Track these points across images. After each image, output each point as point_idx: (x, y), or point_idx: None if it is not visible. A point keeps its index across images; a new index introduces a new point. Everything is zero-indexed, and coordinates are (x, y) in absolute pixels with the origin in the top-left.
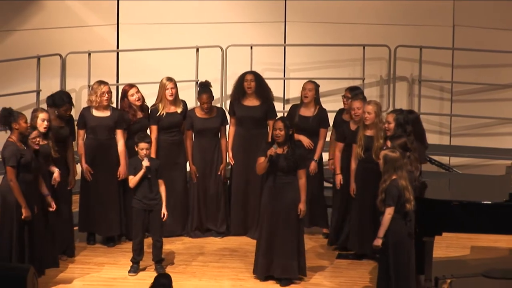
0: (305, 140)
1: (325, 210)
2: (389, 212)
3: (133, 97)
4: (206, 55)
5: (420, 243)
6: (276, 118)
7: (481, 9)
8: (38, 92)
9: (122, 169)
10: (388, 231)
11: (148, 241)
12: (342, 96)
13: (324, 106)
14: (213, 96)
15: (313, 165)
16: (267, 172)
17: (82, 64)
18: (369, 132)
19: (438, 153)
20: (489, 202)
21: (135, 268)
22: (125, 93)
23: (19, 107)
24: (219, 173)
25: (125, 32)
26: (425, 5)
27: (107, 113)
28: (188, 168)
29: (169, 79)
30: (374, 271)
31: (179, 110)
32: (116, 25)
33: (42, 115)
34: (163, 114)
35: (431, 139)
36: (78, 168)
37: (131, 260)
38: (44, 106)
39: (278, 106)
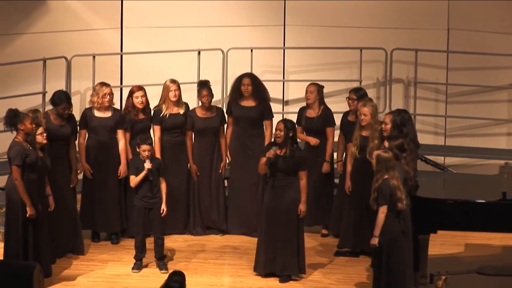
0: (312, 140)
1: (331, 211)
2: (382, 211)
3: (137, 99)
4: (208, 57)
5: (416, 240)
6: (279, 119)
7: (475, 13)
8: (44, 94)
9: (122, 168)
10: (382, 230)
11: (150, 238)
12: (346, 98)
13: None
14: (212, 94)
15: (325, 166)
16: (269, 173)
17: (87, 66)
18: (365, 133)
19: (433, 153)
20: (483, 201)
21: (138, 265)
22: (131, 93)
23: (25, 109)
24: (220, 171)
25: (129, 35)
26: (420, 9)
27: (108, 114)
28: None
29: (173, 81)
30: (371, 267)
31: (181, 112)
32: (120, 29)
33: (40, 115)
34: (166, 115)
35: (426, 139)
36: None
37: (134, 257)
38: (50, 107)
39: (277, 107)
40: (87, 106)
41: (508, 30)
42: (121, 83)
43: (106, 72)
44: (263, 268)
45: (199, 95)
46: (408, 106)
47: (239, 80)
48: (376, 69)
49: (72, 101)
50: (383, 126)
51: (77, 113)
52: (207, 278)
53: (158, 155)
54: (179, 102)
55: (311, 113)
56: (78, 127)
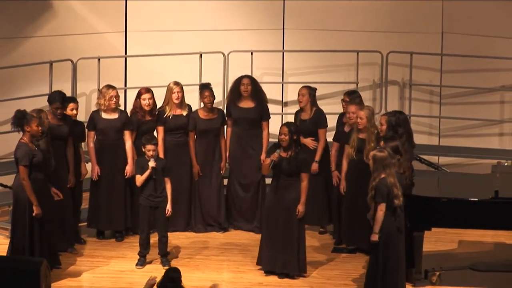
0: (309, 143)
1: (327, 209)
2: (381, 209)
3: (144, 101)
4: (209, 60)
5: (410, 237)
6: (278, 120)
7: (468, 17)
8: None
9: (129, 168)
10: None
11: (154, 235)
12: (341, 100)
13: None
14: (214, 95)
15: (314, 166)
16: (273, 174)
17: (92, 69)
18: (362, 135)
19: (428, 153)
20: (476, 199)
21: (142, 261)
22: (139, 95)
23: (32, 110)
24: (222, 172)
25: (133, 39)
26: (415, 14)
27: (115, 116)
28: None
29: (176, 83)
30: (367, 263)
31: (184, 113)
32: (124, 32)
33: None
34: (169, 116)
35: (421, 139)
36: (88, 166)
37: (138, 254)
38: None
39: (276, 109)
40: (93, 107)
41: (500, 34)
42: (126, 85)
43: (111, 75)
44: (264, 264)
45: (201, 97)
46: (403, 107)
47: (238, 81)
48: (372, 71)
49: (78, 102)
50: (379, 126)
51: (82, 114)
52: (208, 274)
53: (161, 155)
54: (182, 103)
55: (304, 115)
56: (86, 129)
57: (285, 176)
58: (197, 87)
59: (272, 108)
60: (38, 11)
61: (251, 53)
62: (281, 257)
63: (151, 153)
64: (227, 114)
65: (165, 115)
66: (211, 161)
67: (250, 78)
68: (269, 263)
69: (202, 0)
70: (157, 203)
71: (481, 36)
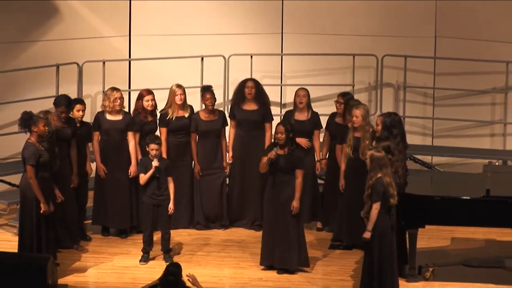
0: (302, 142)
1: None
2: (376, 207)
3: (147, 103)
4: (210, 63)
5: (404, 235)
6: (278, 122)
7: (460, 22)
8: None
9: (133, 168)
10: (373, 225)
11: (157, 233)
12: (335, 101)
13: (317, 110)
14: (215, 97)
15: (318, 165)
16: (269, 171)
17: (97, 72)
18: (357, 134)
19: (421, 153)
20: (468, 198)
21: (146, 258)
22: (141, 96)
23: (39, 112)
24: (226, 171)
25: (137, 42)
26: (409, 18)
27: (119, 117)
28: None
29: (179, 86)
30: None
31: (186, 115)
32: (128, 37)
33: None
34: (172, 117)
35: (415, 140)
36: (93, 166)
37: (141, 250)
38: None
39: (275, 110)
40: (98, 109)
41: (491, 37)
42: (130, 87)
43: (115, 77)
44: (264, 259)
45: (203, 99)
46: (398, 109)
47: (243, 84)
48: (368, 74)
49: (85, 104)
50: (375, 127)
51: (88, 116)
52: (210, 270)
53: (164, 155)
54: (184, 105)
55: (301, 116)
56: (92, 130)
57: (281, 174)
58: (199, 89)
59: (271, 109)
60: (45, 16)
61: (251, 57)
62: (279, 252)
63: (154, 152)
64: (231, 116)
65: (167, 117)
66: (212, 161)
67: (255, 81)
68: (268, 258)
69: (204, 6)
70: (160, 201)
71: (473, 40)
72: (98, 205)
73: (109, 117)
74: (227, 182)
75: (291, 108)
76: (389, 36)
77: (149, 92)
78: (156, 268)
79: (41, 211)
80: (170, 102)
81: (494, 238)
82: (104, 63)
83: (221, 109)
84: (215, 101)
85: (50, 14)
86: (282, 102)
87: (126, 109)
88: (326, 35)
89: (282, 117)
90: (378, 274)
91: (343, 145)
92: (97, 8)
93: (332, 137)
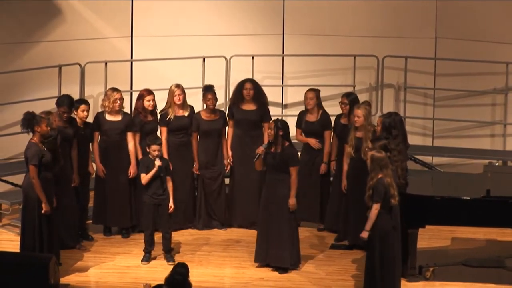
0: (312, 142)
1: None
2: (376, 208)
3: (148, 103)
4: (212, 64)
5: (405, 235)
6: (271, 120)
7: (460, 23)
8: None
9: (132, 169)
10: (375, 225)
11: (159, 233)
12: (339, 102)
13: None
14: (216, 98)
15: (323, 167)
16: (265, 170)
17: (99, 72)
18: (359, 134)
19: (422, 153)
20: (468, 198)
21: (147, 257)
22: (141, 97)
23: (42, 112)
24: (226, 170)
25: (139, 43)
26: (410, 20)
27: (119, 118)
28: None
29: (177, 85)
30: (364, 260)
31: (186, 114)
32: (130, 37)
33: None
34: (172, 117)
35: (416, 140)
36: (94, 166)
37: (143, 250)
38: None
39: (276, 110)
40: (100, 109)
41: (491, 38)
42: (131, 88)
43: (117, 78)
44: (258, 258)
45: (204, 99)
46: (398, 109)
47: (241, 85)
48: (369, 75)
49: (89, 104)
50: (376, 127)
51: (90, 116)
52: (211, 269)
53: (165, 155)
54: (183, 105)
55: (311, 117)
56: (91, 130)
57: (274, 171)
58: (200, 89)
59: (272, 110)
60: (47, 17)
61: (252, 58)
62: (273, 251)
63: (156, 153)
64: (229, 115)
65: (167, 117)
66: (213, 160)
67: (253, 82)
68: (262, 256)
69: (206, 7)
70: (161, 200)
71: (473, 41)
72: (99, 205)
73: (108, 117)
74: (227, 182)
75: (291, 108)
76: (389, 37)
77: (150, 92)
78: (158, 268)
79: (43, 211)
80: (169, 102)
81: (494, 238)
82: (106, 63)
83: (222, 109)
84: (217, 101)
85: (53, 15)
86: (283, 103)
87: (128, 110)
88: (327, 36)
89: (282, 118)
90: (380, 274)
91: (345, 146)
92: (99, 9)
93: (339, 138)
